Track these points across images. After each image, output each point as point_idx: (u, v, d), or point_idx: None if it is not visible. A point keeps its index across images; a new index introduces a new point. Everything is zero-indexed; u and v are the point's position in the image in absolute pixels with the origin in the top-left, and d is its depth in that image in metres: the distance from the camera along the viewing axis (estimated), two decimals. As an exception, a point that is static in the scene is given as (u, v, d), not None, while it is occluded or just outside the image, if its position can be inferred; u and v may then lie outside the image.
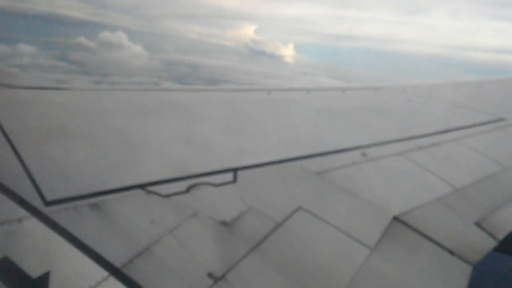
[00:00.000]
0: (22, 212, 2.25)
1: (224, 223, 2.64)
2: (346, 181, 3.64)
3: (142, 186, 2.78)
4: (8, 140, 3.01)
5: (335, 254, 2.76)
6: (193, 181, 3.02)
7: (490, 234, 3.46)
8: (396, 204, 3.50)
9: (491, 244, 3.38)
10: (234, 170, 3.33)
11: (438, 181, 4.23)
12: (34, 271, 1.98)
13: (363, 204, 3.38)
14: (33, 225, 2.20)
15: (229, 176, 3.23)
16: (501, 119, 7.30)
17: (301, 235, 2.81)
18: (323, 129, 5.39)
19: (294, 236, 2.77)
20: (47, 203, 2.36)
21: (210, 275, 2.25)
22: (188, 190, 2.89)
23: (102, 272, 2.06)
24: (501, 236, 3.48)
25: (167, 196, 2.75)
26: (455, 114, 7.90)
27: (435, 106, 8.47)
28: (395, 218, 3.25)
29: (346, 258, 2.74)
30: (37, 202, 2.35)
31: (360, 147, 4.52)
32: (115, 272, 2.09)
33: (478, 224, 3.57)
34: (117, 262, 2.13)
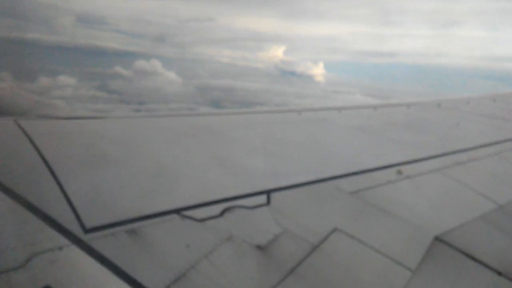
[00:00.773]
0: (62, 240, 2.31)
1: (259, 247, 2.62)
2: (382, 201, 3.55)
3: (177, 211, 2.81)
4: (50, 169, 3.13)
5: (375, 277, 2.67)
6: (227, 204, 3.02)
7: None
8: (437, 223, 3.37)
9: None
10: (268, 192, 3.31)
11: (480, 198, 4.06)
12: None
13: (402, 224, 3.27)
14: (73, 252, 2.25)
15: (262, 199, 3.21)
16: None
17: (339, 257, 2.75)
18: (356, 147, 5.32)
19: (331, 258, 2.71)
20: (87, 231, 2.42)
21: None
22: (222, 213, 2.90)
23: None
24: None
25: (202, 220, 2.77)
26: (494, 127, 7.63)
27: (473, 119, 8.21)
28: (437, 238, 3.13)
29: (387, 282, 2.65)
30: (77, 230, 2.41)
31: (395, 164, 4.42)
32: None
33: None
34: None
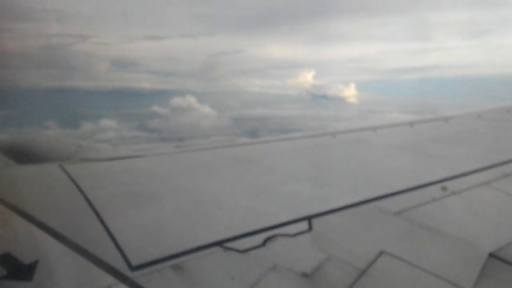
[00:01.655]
0: (111, 279, 2.36)
1: (305, 275, 2.56)
2: (429, 219, 3.41)
3: (219, 243, 2.81)
4: (94, 209, 3.23)
5: None
6: (268, 233, 3.00)
7: None
8: (490, 239, 3.19)
9: None
10: (309, 218, 3.27)
11: None
12: None
13: (452, 242, 3.12)
14: None
15: (304, 225, 3.17)
16: None
17: (389, 281, 2.64)
18: (396, 166, 5.19)
19: (381, 283, 2.60)
20: (133, 268, 2.46)
21: None
22: (264, 243, 2.87)
23: None
24: None
25: (245, 251, 2.75)
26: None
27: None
28: (492, 255, 2.96)
29: None
30: (123, 268, 2.45)
31: (438, 181, 4.27)
32: None
33: None
34: None
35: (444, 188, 4.08)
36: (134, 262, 2.51)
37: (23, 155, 4.77)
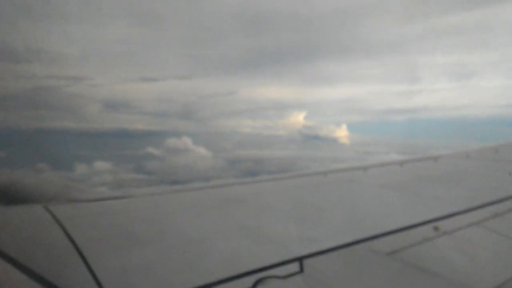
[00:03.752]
0: None
1: None
2: (421, 260, 3.36)
3: (209, 287, 2.73)
4: (78, 251, 3.14)
5: None
6: (259, 275, 2.92)
7: None
8: (483, 280, 3.14)
9: None
10: (300, 259, 3.20)
11: None
12: None
13: (445, 283, 3.06)
14: None
15: (295, 266, 3.10)
16: None
17: None
18: (387, 206, 5.17)
19: None
20: None
21: None
22: (255, 285, 2.79)
23: None
24: None
25: None
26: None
27: (505, 168, 7.95)
28: None
29: None
30: None
31: (430, 220, 4.24)
32: None
33: None
34: None
35: (436, 228, 4.05)
36: None
37: (7, 196, 4.67)
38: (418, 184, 6.36)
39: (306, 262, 3.17)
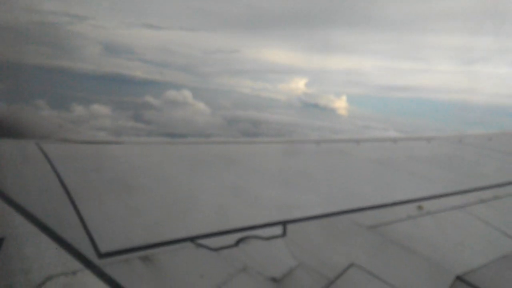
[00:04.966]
0: (77, 264, 2.31)
1: (274, 279, 2.56)
2: (402, 237, 3.45)
3: (192, 239, 2.79)
4: (66, 191, 3.17)
5: None
6: (242, 234, 2.98)
7: None
8: (459, 262, 3.24)
9: None
10: (284, 223, 3.26)
11: (504, 237, 3.91)
12: None
13: (422, 262, 3.16)
14: (87, 277, 2.24)
15: (278, 230, 3.16)
16: None
17: None
18: (375, 181, 5.23)
19: None
20: (101, 255, 2.41)
21: None
22: (237, 243, 2.85)
23: None
24: None
25: (216, 249, 2.73)
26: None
27: (496, 157, 8.03)
28: (458, 278, 3.00)
29: None
30: (91, 254, 2.40)
31: (415, 200, 4.32)
32: None
33: None
34: None
35: (419, 207, 4.12)
36: (103, 249, 2.46)
37: (2, 129, 4.65)
38: (408, 163, 6.42)
39: (289, 226, 3.24)
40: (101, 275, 2.26)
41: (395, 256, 3.18)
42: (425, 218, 3.96)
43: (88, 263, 2.32)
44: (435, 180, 5.57)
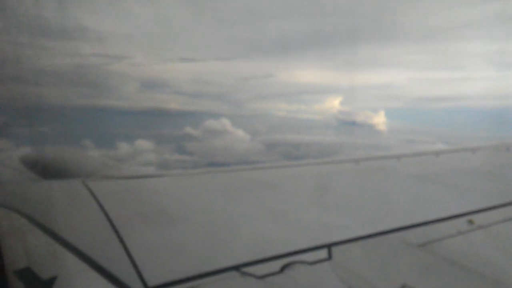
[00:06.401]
0: None
1: None
2: (454, 253, 3.29)
3: (236, 268, 2.78)
4: (113, 227, 3.26)
5: None
6: (286, 260, 2.95)
7: None
8: None
9: None
10: (328, 246, 3.20)
11: None
12: None
13: (477, 278, 3.00)
14: None
15: (323, 253, 3.10)
16: None
17: None
18: (420, 197, 5.06)
19: None
20: None
21: None
22: (282, 269, 2.82)
23: None
24: None
25: (262, 277, 2.71)
26: None
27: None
28: None
29: None
30: None
31: (465, 214, 4.13)
32: None
33: None
34: None
35: (470, 221, 3.94)
36: (150, 282, 2.50)
37: (47, 170, 4.89)
38: (453, 176, 6.18)
39: (335, 249, 3.17)
40: None
41: (449, 275, 3.03)
42: (477, 233, 3.78)
43: None
44: (485, 192, 5.32)
